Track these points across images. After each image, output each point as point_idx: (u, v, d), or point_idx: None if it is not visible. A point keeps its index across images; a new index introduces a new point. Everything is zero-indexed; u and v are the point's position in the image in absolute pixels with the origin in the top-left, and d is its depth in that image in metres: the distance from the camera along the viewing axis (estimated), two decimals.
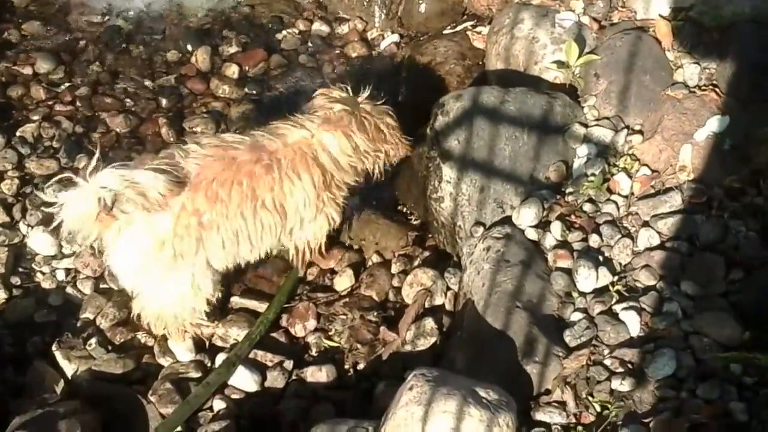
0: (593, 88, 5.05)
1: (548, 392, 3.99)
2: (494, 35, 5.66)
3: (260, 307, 4.79)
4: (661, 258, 4.26)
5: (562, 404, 3.91)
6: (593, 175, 4.67)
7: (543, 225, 4.58)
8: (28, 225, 5.11)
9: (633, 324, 4.05)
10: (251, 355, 4.57)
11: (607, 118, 4.90)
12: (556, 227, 4.50)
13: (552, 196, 4.68)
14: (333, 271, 5.02)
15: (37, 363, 4.49)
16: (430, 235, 5.11)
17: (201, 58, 6.29)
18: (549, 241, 4.50)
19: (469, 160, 4.74)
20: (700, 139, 4.60)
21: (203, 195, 4.12)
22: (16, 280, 4.90)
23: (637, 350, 3.95)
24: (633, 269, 4.28)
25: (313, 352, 4.67)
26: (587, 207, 4.59)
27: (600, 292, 4.24)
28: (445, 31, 6.28)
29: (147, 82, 6.15)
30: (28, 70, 6.14)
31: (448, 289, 4.72)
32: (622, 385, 3.85)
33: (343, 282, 4.93)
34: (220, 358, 4.55)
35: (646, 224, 4.42)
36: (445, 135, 4.83)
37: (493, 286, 4.31)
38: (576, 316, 4.18)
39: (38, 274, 4.96)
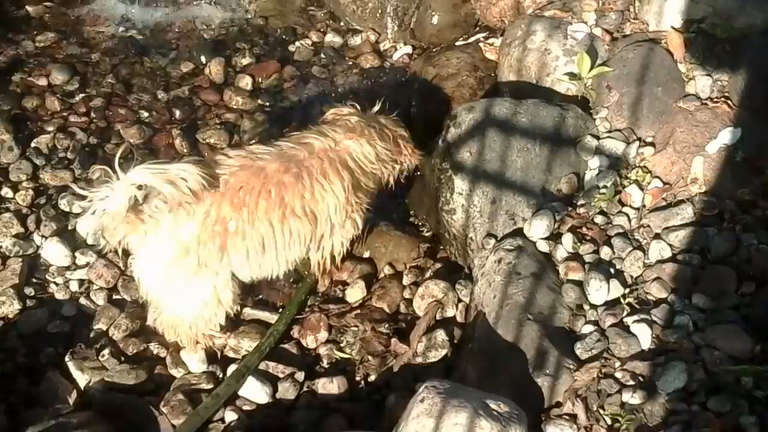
0: (605, 100, 5.05)
1: (559, 405, 3.98)
2: (507, 47, 5.67)
3: (272, 318, 4.80)
4: (672, 270, 4.26)
5: (573, 417, 3.90)
6: (605, 187, 4.67)
7: (554, 237, 4.58)
8: (42, 236, 5.11)
9: (644, 337, 4.04)
10: (263, 367, 4.57)
11: (619, 130, 4.91)
12: (568, 239, 4.50)
13: (563, 208, 4.68)
14: (345, 283, 5.01)
15: (50, 373, 4.49)
16: (441, 247, 5.12)
17: (214, 69, 6.32)
18: (560, 253, 4.50)
19: (481, 172, 4.74)
20: (712, 152, 4.59)
21: (229, 202, 4.16)
22: (29, 290, 4.89)
23: (648, 363, 3.94)
24: (644, 282, 4.28)
25: (325, 363, 4.67)
26: (599, 219, 4.59)
27: (611, 305, 4.24)
28: (457, 43, 6.31)
29: (161, 94, 6.18)
30: (43, 81, 6.17)
31: (460, 301, 4.72)
32: (633, 398, 3.83)
33: (355, 294, 4.92)
34: (232, 369, 4.55)
35: (657, 236, 4.41)
36: (457, 147, 4.84)
37: (505, 298, 4.32)
38: (587, 329, 4.18)
39: (52, 285, 4.97)
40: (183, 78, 6.36)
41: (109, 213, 3.99)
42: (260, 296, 4.97)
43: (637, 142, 4.81)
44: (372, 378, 4.57)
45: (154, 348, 4.71)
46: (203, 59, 6.44)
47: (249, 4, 6.94)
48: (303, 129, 4.67)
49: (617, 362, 4.01)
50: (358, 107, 4.72)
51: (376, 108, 4.80)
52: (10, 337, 4.68)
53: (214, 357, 4.68)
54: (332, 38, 6.71)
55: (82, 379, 4.51)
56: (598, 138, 4.89)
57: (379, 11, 6.64)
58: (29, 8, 6.81)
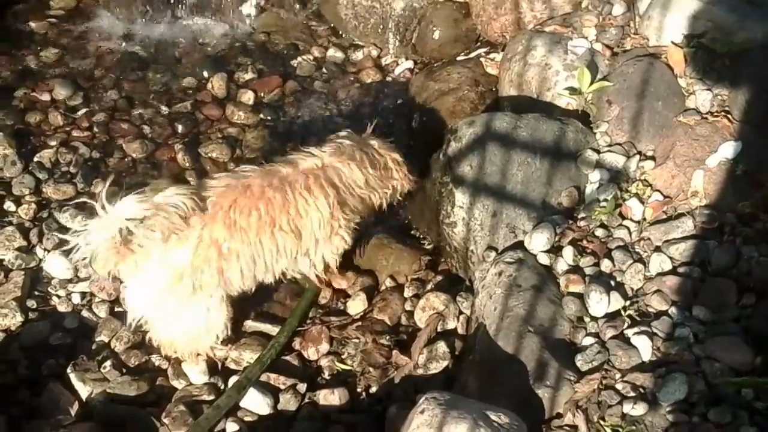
0: (605, 114, 5.07)
1: (560, 416, 3.98)
2: (507, 62, 5.69)
3: (273, 330, 4.80)
4: (673, 283, 4.26)
5: (573, 428, 3.90)
6: (605, 200, 4.68)
7: (555, 250, 4.59)
8: (45, 249, 5.14)
9: (645, 348, 4.04)
10: (264, 378, 4.58)
11: (620, 144, 4.92)
12: (568, 252, 4.51)
13: (564, 221, 4.69)
14: (346, 295, 5.03)
15: (52, 385, 4.50)
16: (442, 260, 5.13)
17: (217, 84, 6.35)
18: (561, 265, 4.51)
19: (481, 186, 4.76)
20: (713, 165, 4.60)
21: (221, 224, 4.17)
22: (32, 303, 4.91)
23: (649, 375, 3.94)
24: (645, 294, 4.28)
25: (326, 375, 4.68)
26: (599, 232, 4.60)
27: (612, 317, 4.24)
28: (458, 58, 6.32)
29: (163, 108, 6.21)
30: (46, 97, 6.22)
31: (461, 313, 4.73)
32: (633, 410, 3.83)
33: (356, 306, 4.93)
34: (234, 380, 4.56)
35: (658, 249, 4.42)
36: (457, 161, 4.86)
37: (505, 311, 4.32)
38: (588, 341, 4.18)
39: (54, 298, 4.99)
40: (185, 93, 6.38)
41: (96, 246, 4.00)
42: (261, 308, 4.97)
43: (638, 156, 4.82)
44: (373, 389, 4.57)
45: (156, 360, 4.72)
46: (205, 74, 6.48)
47: (251, 20, 6.98)
48: (304, 144, 4.70)
49: (618, 374, 4.01)
50: (352, 132, 4.78)
51: (369, 130, 4.84)
52: (12, 349, 4.69)
53: (216, 368, 4.69)
54: (334, 53, 6.74)
55: (83, 390, 4.53)
56: (598, 152, 4.91)
57: (381, 26, 6.67)
58: (33, 24, 6.86)
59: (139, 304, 4.37)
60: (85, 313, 4.93)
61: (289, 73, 6.58)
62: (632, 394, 3.90)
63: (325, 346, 4.76)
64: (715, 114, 4.83)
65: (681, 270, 4.31)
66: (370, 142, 4.77)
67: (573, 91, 5.25)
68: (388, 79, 6.54)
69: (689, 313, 4.15)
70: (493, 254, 4.67)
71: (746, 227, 4.39)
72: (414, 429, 3.62)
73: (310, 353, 4.75)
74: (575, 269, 4.48)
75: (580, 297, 4.34)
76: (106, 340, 4.77)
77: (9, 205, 5.36)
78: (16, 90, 6.26)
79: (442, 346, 4.56)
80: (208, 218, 4.16)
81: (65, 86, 6.26)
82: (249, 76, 6.48)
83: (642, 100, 4.96)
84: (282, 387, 4.58)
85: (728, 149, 4.62)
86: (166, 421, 4.38)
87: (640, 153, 4.85)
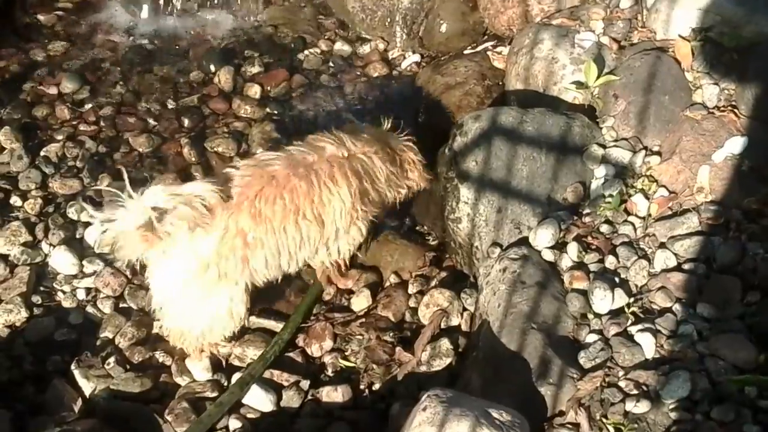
0: (612, 108, 5.04)
1: (562, 414, 3.97)
2: (514, 55, 5.67)
3: (277, 327, 4.81)
4: (677, 280, 4.24)
5: (576, 426, 3.89)
6: (611, 196, 4.65)
7: (560, 246, 4.57)
8: (50, 244, 5.15)
9: (648, 346, 4.03)
10: (267, 375, 4.59)
11: (626, 139, 4.89)
12: (573, 248, 4.49)
13: (569, 217, 4.67)
14: (350, 292, 5.03)
15: (57, 381, 4.51)
16: (447, 256, 5.12)
17: (224, 78, 6.35)
18: (565, 262, 4.49)
19: (486, 181, 4.75)
20: (719, 161, 4.58)
21: (247, 214, 4.17)
22: (37, 299, 4.92)
23: (652, 372, 3.92)
24: (649, 291, 4.26)
25: (329, 372, 4.68)
26: (604, 228, 4.58)
27: (616, 314, 4.22)
28: (465, 51, 6.31)
29: (170, 102, 6.21)
30: (53, 90, 6.21)
31: (464, 309, 4.72)
32: (636, 407, 3.81)
33: (360, 302, 4.94)
34: (238, 377, 4.56)
35: (663, 246, 4.40)
36: (463, 155, 4.84)
37: (509, 307, 4.31)
38: (591, 338, 4.16)
39: (59, 294, 4.99)
40: (192, 87, 6.38)
41: (123, 234, 4.00)
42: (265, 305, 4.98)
43: (644, 151, 4.80)
44: (376, 386, 4.57)
45: (160, 356, 4.73)
46: (212, 68, 6.47)
47: (258, 13, 6.97)
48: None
49: (621, 371, 3.99)
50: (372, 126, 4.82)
51: (387, 126, 4.86)
52: (17, 344, 4.71)
53: (219, 365, 4.70)
54: (341, 47, 6.74)
55: (87, 387, 4.54)
56: (604, 147, 4.88)
57: (388, 20, 6.66)
58: (40, 17, 6.86)
59: (166, 292, 4.37)
60: (89, 309, 4.94)
61: (295, 66, 6.57)
62: (635, 391, 3.88)
63: (328, 343, 4.76)
64: (722, 109, 4.80)
65: (686, 267, 4.29)
66: (389, 138, 4.79)
67: (579, 85, 5.23)
68: (395, 72, 6.53)
69: (693, 310, 4.13)
70: (497, 250, 4.66)
71: (752, 224, 4.36)
72: (416, 426, 3.62)
73: (314, 350, 4.76)
74: (579, 266, 4.46)
75: (584, 294, 4.32)
76: (111, 337, 4.79)
77: (15, 200, 5.37)
78: (24, 83, 6.26)
79: (445, 343, 4.55)
80: (234, 207, 4.16)
81: (72, 80, 6.26)
82: (256, 69, 6.47)
83: (649, 94, 4.94)
84: (285, 384, 4.59)
85: (735, 144, 4.59)
86: (169, 417, 4.38)
87: (646, 148, 4.83)
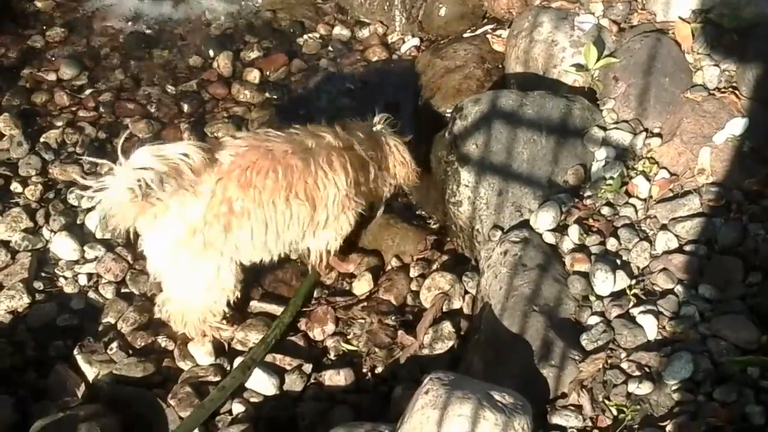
0: (612, 91, 5.03)
1: (564, 396, 3.97)
2: (514, 38, 5.66)
3: (279, 311, 4.81)
4: (679, 261, 4.24)
5: (578, 408, 3.89)
6: (611, 178, 4.65)
7: (561, 228, 4.57)
8: (51, 230, 5.15)
9: (650, 327, 4.03)
10: (270, 359, 4.60)
11: (626, 121, 4.89)
12: (574, 231, 4.48)
13: (570, 199, 4.67)
14: (352, 276, 5.04)
15: (59, 366, 4.52)
16: (448, 239, 5.12)
17: (223, 63, 6.34)
18: (567, 244, 4.49)
19: (487, 164, 4.74)
20: (720, 142, 4.57)
21: (236, 182, 4.16)
22: (39, 284, 4.93)
23: (654, 353, 3.92)
24: (651, 273, 4.26)
25: (332, 355, 4.69)
26: (605, 210, 4.58)
27: (617, 296, 4.22)
28: (465, 35, 6.30)
29: (169, 88, 6.21)
30: (52, 77, 6.22)
31: (466, 292, 4.72)
32: (638, 389, 3.82)
33: (362, 286, 4.94)
34: (239, 361, 4.57)
35: (664, 227, 4.40)
36: (463, 139, 4.83)
37: (511, 290, 4.31)
38: (593, 320, 4.17)
39: (61, 279, 5.00)
40: (191, 72, 6.38)
41: (114, 199, 3.99)
42: (266, 289, 4.99)
43: (644, 133, 4.79)
44: (379, 370, 4.58)
45: (162, 341, 4.74)
46: (211, 53, 6.47)
47: None
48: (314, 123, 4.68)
49: (623, 353, 4.00)
50: (361, 122, 4.83)
51: (377, 119, 4.89)
52: (19, 330, 4.72)
53: (222, 350, 4.71)
54: (340, 31, 6.72)
55: (90, 372, 4.55)
56: (604, 129, 4.88)
57: (387, 3, 6.65)
58: (39, 3, 6.85)
59: (157, 258, 4.37)
60: (91, 295, 4.95)
61: (294, 51, 6.57)
62: (637, 373, 3.89)
63: (330, 327, 4.77)
64: (723, 90, 4.79)
65: (687, 248, 4.29)
66: (380, 137, 4.82)
67: (579, 67, 5.22)
68: (395, 56, 6.53)
69: (695, 291, 4.13)
70: (498, 233, 4.65)
71: (753, 204, 4.36)
72: (418, 409, 3.62)
73: (316, 334, 4.77)
74: (581, 248, 4.45)
75: (586, 276, 4.32)
76: (113, 322, 4.79)
77: (16, 186, 5.38)
78: (23, 70, 6.27)
79: (447, 326, 4.55)
80: (225, 174, 4.15)
81: (71, 66, 6.26)
82: (255, 54, 6.47)
83: (649, 76, 4.93)
84: (288, 367, 4.59)
85: (735, 126, 4.59)
86: (172, 402, 4.40)
87: (646, 130, 4.82)
